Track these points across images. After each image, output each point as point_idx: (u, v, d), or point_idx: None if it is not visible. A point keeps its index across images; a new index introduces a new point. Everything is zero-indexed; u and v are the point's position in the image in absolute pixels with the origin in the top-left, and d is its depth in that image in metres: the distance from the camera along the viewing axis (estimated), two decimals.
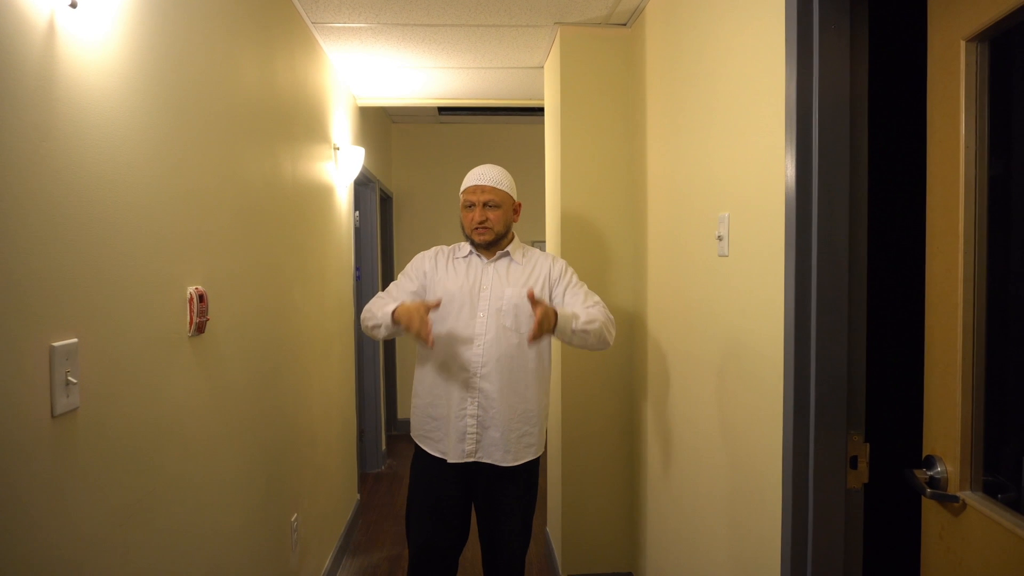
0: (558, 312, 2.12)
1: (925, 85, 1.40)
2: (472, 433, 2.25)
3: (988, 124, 1.28)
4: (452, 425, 2.27)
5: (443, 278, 2.34)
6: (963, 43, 1.29)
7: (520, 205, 2.41)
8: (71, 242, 1.17)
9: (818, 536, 1.55)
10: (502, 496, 2.30)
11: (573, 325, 2.14)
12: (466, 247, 2.40)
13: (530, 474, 2.33)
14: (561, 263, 2.38)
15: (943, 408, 1.36)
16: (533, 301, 2.06)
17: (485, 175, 2.33)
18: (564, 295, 2.31)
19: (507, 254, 2.36)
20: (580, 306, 2.25)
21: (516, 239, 2.43)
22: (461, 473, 2.31)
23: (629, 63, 3.02)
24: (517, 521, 2.32)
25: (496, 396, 2.23)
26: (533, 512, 2.39)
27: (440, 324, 2.28)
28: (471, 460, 2.26)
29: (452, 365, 2.27)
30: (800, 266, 1.55)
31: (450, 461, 2.28)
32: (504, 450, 2.24)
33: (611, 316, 2.26)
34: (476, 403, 2.24)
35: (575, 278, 2.36)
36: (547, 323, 2.05)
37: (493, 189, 2.30)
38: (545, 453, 2.45)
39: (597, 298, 2.31)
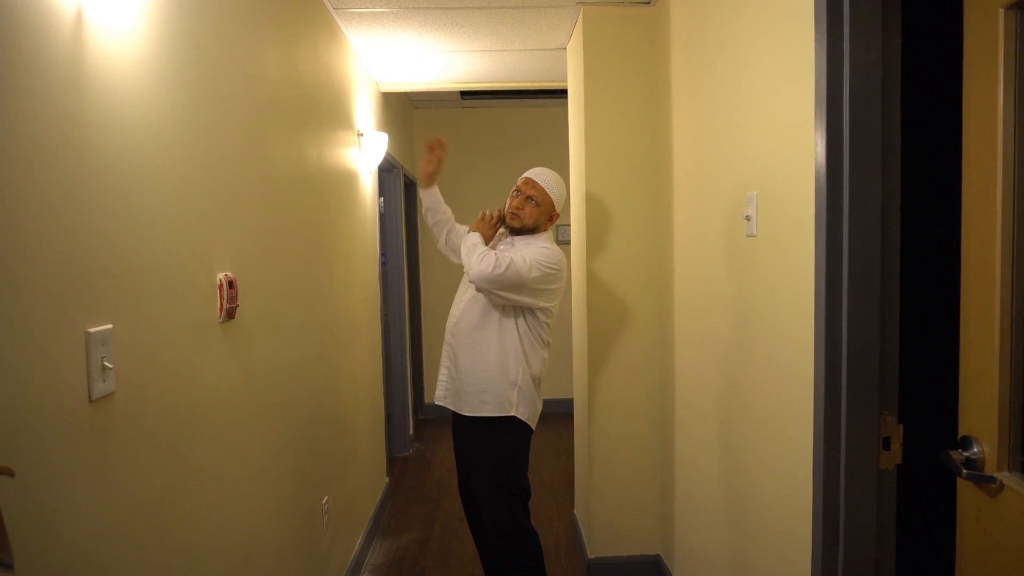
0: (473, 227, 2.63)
1: (961, 55, 1.35)
2: (443, 381, 2.66)
3: None
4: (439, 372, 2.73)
5: None
6: (1001, 11, 1.25)
7: (558, 216, 2.67)
8: (103, 230, 1.19)
9: (850, 517, 1.54)
10: (467, 446, 2.65)
11: (466, 233, 2.61)
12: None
13: (492, 430, 2.55)
14: (533, 249, 2.52)
15: (979, 387, 1.33)
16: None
17: (542, 176, 2.63)
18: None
19: (511, 242, 2.65)
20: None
21: (537, 234, 2.63)
22: (454, 422, 2.70)
23: (653, 42, 2.97)
24: (486, 472, 2.55)
25: (461, 353, 2.60)
26: (506, 470, 2.54)
27: None
28: (441, 404, 2.66)
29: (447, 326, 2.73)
30: (831, 244, 1.52)
31: (431, 400, 2.78)
32: (462, 400, 2.58)
33: (488, 271, 2.39)
34: (448, 357, 2.66)
35: (519, 256, 2.46)
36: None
37: (543, 190, 2.60)
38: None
39: (503, 263, 2.41)
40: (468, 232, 2.62)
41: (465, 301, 2.63)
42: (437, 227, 2.89)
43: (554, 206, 2.63)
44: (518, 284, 2.45)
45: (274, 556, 2.07)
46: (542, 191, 2.59)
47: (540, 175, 2.62)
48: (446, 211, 2.88)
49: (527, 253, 2.50)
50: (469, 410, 2.57)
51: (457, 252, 2.79)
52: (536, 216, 2.59)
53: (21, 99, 1.00)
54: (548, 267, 2.50)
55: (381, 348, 4.12)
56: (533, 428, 2.60)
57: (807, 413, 1.62)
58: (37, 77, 1.03)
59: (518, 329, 2.55)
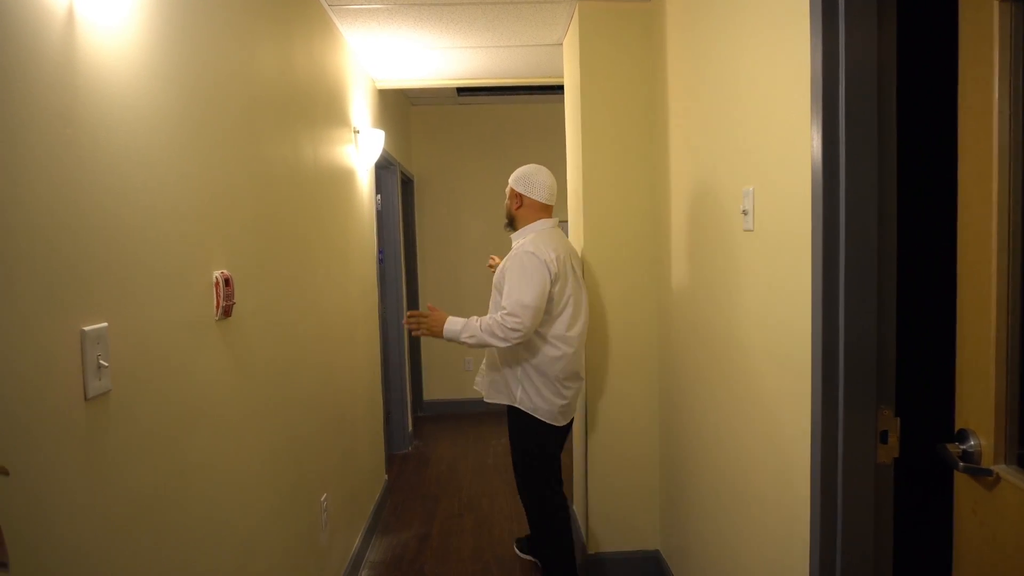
0: (446, 326, 2.67)
1: (956, 49, 1.35)
2: (481, 371, 2.93)
3: (1023, 88, 1.24)
4: None
5: None
6: (996, 3, 1.25)
7: (518, 194, 2.82)
8: (97, 227, 1.19)
9: (848, 511, 1.54)
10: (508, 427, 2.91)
11: (460, 338, 2.67)
12: None
13: (512, 417, 2.82)
14: (517, 258, 2.66)
15: (976, 381, 1.33)
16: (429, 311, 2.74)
17: (511, 175, 2.90)
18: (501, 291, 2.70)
19: (516, 238, 2.86)
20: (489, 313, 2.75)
21: (524, 230, 2.82)
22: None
23: (649, 37, 2.97)
24: (515, 449, 2.87)
25: (485, 349, 2.84)
26: (524, 451, 2.81)
27: None
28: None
29: None
30: (828, 239, 1.52)
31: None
32: (484, 388, 2.90)
33: (505, 322, 2.57)
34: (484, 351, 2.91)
35: (513, 278, 2.62)
36: (425, 325, 2.71)
37: (508, 184, 2.89)
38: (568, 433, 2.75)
39: (510, 301, 2.59)
40: (464, 331, 2.66)
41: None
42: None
43: (514, 190, 2.83)
44: (530, 311, 2.58)
45: (273, 553, 2.07)
46: (507, 185, 2.87)
47: (511, 176, 2.89)
48: (471, 326, 2.72)
49: (513, 277, 2.63)
50: (487, 396, 2.90)
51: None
52: (507, 207, 2.87)
53: (15, 97, 1.00)
54: (534, 275, 2.60)
55: (379, 345, 4.12)
56: (547, 421, 2.79)
57: (804, 407, 1.63)
58: (29, 74, 1.03)
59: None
